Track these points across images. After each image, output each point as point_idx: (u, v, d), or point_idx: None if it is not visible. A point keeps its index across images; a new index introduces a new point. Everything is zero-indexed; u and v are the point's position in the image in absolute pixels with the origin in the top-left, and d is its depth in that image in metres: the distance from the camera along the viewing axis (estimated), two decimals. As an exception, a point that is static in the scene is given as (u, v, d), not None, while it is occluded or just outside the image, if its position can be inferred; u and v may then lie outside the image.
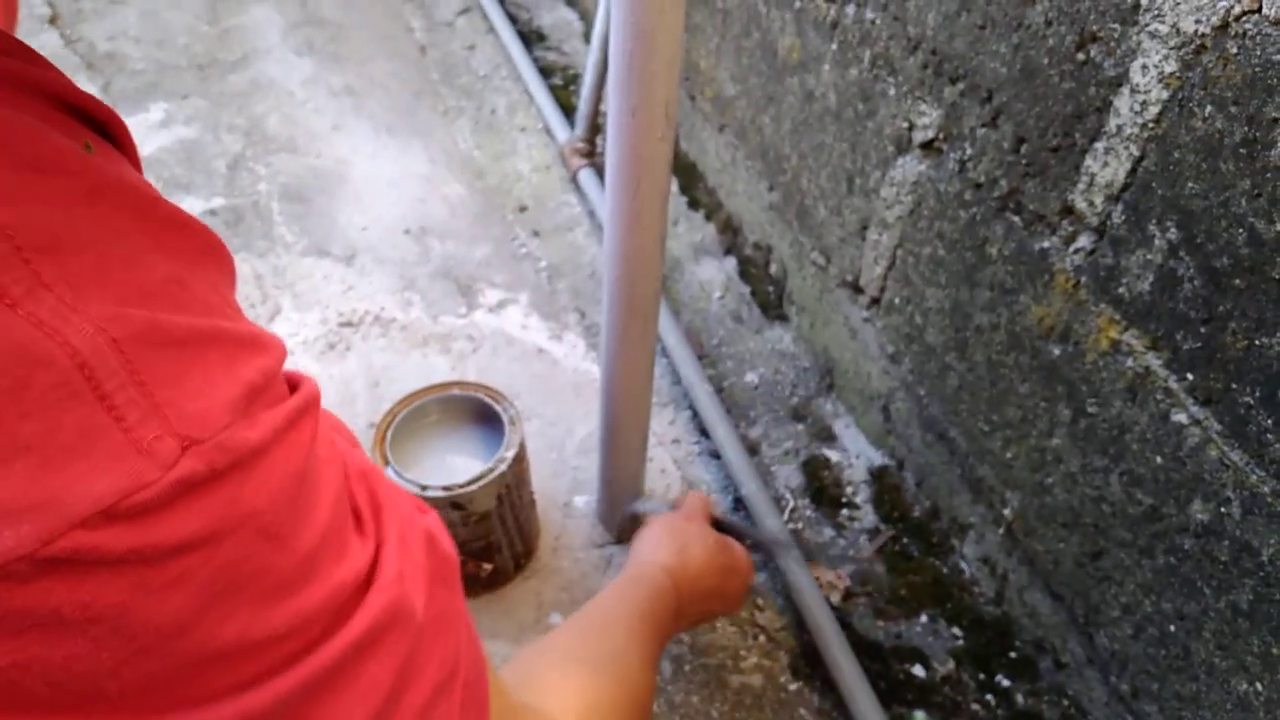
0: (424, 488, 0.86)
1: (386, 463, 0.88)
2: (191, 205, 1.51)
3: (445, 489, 0.86)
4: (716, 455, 1.17)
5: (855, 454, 1.19)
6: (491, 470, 0.88)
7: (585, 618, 0.68)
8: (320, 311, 1.34)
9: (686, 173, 1.58)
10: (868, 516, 1.12)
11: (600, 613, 0.68)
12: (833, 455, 1.19)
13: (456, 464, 0.94)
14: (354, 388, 1.23)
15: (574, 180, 1.59)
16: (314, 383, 0.35)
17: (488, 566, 0.98)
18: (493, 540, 0.95)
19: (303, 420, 0.32)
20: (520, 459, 0.92)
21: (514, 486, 0.92)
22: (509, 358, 1.30)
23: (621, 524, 1.05)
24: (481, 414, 0.96)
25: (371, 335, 1.31)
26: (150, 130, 1.68)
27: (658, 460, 1.17)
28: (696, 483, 1.15)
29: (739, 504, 1.12)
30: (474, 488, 0.87)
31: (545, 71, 1.86)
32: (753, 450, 1.19)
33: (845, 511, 1.13)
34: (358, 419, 1.19)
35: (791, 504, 1.13)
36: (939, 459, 1.05)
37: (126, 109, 1.72)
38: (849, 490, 1.15)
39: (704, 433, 1.21)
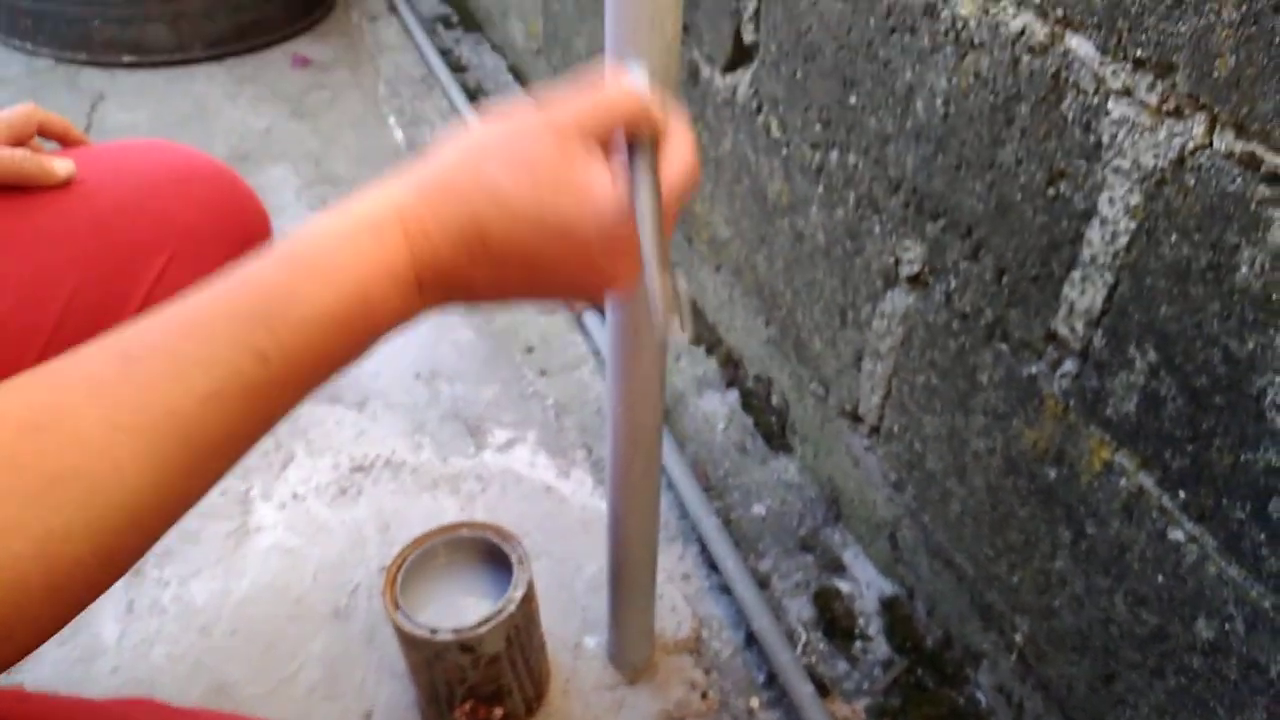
0: (434, 631, 0.87)
1: (397, 607, 0.89)
2: (208, 358, 1.55)
3: (455, 632, 0.86)
4: (727, 590, 1.17)
5: (865, 583, 1.19)
6: (500, 611, 0.88)
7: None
8: (332, 457, 1.36)
9: (687, 310, 1.62)
10: (880, 648, 1.11)
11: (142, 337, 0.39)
12: (843, 586, 1.19)
13: (467, 605, 0.94)
14: (365, 532, 1.24)
15: (579, 320, 1.63)
16: None
17: (499, 711, 0.97)
18: (503, 683, 0.94)
19: None
20: (529, 599, 0.92)
21: (523, 627, 0.92)
22: (517, 496, 1.31)
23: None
24: (490, 554, 0.96)
25: (382, 479, 1.33)
26: (169, 287, 1.74)
27: (667, 597, 1.16)
28: (708, 619, 1.15)
29: (751, 639, 1.11)
30: (483, 629, 0.87)
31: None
32: (763, 583, 1.19)
33: (858, 643, 1.12)
34: (369, 563, 1.20)
35: (804, 638, 1.12)
36: (948, 586, 1.05)
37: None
38: (861, 621, 1.14)
39: (713, 567, 1.21)
